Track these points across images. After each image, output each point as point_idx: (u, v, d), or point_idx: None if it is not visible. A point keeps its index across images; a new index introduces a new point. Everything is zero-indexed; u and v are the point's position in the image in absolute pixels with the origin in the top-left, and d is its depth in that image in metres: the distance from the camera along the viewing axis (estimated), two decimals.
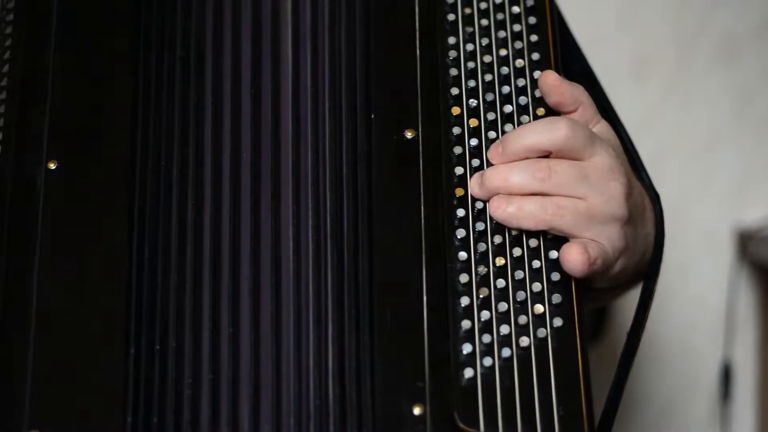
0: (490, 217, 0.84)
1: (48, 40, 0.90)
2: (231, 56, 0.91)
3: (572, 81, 0.88)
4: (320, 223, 0.86)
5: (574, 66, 0.99)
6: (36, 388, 0.80)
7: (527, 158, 0.84)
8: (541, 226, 0.83)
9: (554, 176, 0.84)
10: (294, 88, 0.90)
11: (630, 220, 0.87)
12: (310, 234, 0.86)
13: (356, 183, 0.86)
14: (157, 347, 0.83)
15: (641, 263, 0.92)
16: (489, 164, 0.85)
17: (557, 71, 0.89)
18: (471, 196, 0.85)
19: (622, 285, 0.99)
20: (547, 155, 0.85)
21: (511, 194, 0.84)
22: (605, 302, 1.16)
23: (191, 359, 0.84)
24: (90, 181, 0.86)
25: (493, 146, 0.85)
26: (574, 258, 0.82)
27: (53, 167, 0.86)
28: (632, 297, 1.85)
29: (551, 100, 0.87)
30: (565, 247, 0.83)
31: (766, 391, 1.80)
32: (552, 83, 0.86)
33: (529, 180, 0.84)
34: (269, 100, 0.90)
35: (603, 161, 0.86)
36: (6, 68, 0.89)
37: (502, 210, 0.83)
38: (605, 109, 0.93)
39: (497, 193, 0.84)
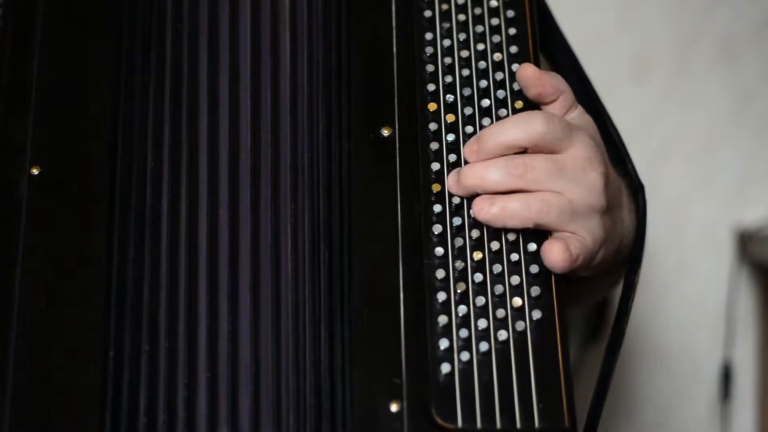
0: (468, 213, 0.84)
1: (32, 44, 0.90)
2: (229, 56, 0.91)
3: (561, 73, 0.88)
4: (314, 223, 0.86)
5: (562, 58, 0.99)
6: (16, 391, 0.81)
7: (504, 155, 0.84)
8: (527, 224, 0.83)
9: (531, 172, 0.83)
10: (292, 87, 0.91)
11: (608, 209, 0.87)
12: (306, 233, 0.87)
13: (341, 182, 0.86)
14: (146, 348, 0.83)
15: (620, 251, 0.92)
16: (466, 161, 0.86)
17: (536, 63, 0.89)
18: (448, 191, 0.85)
19: (603, 280, 0.99)
20: (524, 151, 0.85)
21: (490, 193, 0.83)
22: (589, 298, 1.16)
23: (186, 359, 0.84)
24: (73, 186, 0.86)
25: (468, 143, 0.85)
26: (556, 256, 0.82)
27: (36, 173, 0.86)
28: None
29: (531, 92, 0.87)
30: (547, 245, 0.83)
31: (766, 391, 1.80)
32: (531, 76, 0.86)
33: (505, 177, 0.83)
34: (268, 100, 0.90)
35: (580, 152, 0.85)
36: None
37: (485, 212, 0.83)
38: (593, 101, 0.93)
39: (474, 192, 0.84)
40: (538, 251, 0.83)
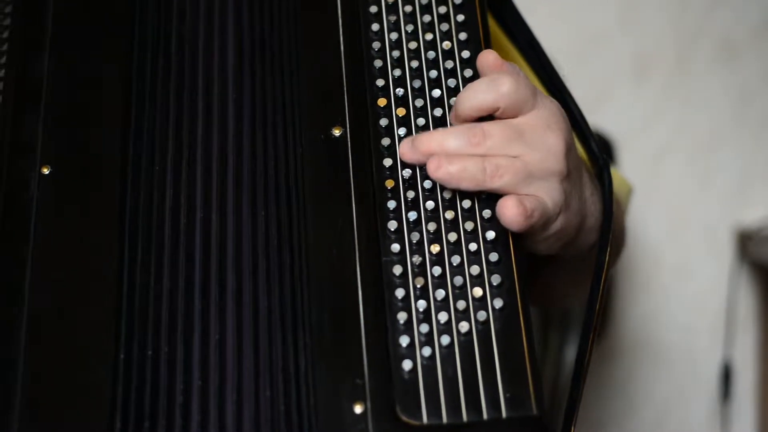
0: (423, 206, 0.83)
1: (43, 44, 0.90)
2: (218, 60, 0.91)
3: (520, 51, 0.87)
4: (281, 228, 0.86)
5: (520, 37, 0.99)
6: (26, 391, 0.80)
7: (478, 118, 0.84)
8: (480, 187, 0.83)
9: (489, 140, 0.83)
10: (261, 91, 0.91)
11: (569, 177, 0.86)
12: (274, 238, 0.86)
13: (297, 185, 0.86)
14: (150, 352, 0.83)
15: (583, 228, 0.91)
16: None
17: (487, 47, 0.88)
18: (402, 184, 0.84)
19: (575, 268, 0.99)
20: (493, 113, 0.85)
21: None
22: (568, 291, 1.15)
23: (183, 365, 0.83)
24: (83, 186, 0.86)
25: (452, 109, 0.85)
26: (510, 212, 0.82)
27: (46, 172, 0.86)
28: (631, 295, 1.85)
29: None
30: (500, 202, 0.82)
31: (766, 391, 1.80)
32: (492, 64, 0.86)
33: (464, 145, 0.83)
34: (249, 105, 0.90)
35: (542, 115, 0.85)
36: (2, 73, 0.90)
37: (443, 170, 0.82)
38: (552, 80, 0.92)
39: (431, 156, 0.84)
40: (497, 239, 0.82)
